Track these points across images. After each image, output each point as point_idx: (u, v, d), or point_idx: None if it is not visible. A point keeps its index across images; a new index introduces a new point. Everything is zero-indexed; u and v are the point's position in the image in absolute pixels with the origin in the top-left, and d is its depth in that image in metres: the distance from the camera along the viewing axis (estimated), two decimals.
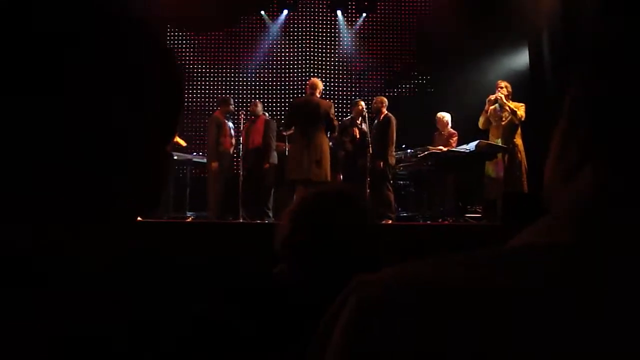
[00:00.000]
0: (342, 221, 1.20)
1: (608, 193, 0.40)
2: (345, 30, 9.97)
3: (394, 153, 6.81)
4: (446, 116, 7.28)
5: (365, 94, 8.95)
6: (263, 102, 7.80)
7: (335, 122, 6.55)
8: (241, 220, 6.52)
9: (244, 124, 7.07)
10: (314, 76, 7.91)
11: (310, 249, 1.17)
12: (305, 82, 6.96)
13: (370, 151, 6.65)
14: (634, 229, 0.38)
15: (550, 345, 0.33)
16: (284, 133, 7.21)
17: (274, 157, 7.09)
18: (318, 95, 6.47)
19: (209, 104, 9.40)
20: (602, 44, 0.42)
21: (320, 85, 6.54)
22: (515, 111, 6.46)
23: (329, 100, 7.04)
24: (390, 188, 6.76)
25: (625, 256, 0.37)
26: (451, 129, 7.24)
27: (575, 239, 0.38)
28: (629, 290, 0.35)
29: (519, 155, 6.50)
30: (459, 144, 6.93)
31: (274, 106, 9.34)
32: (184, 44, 9.69)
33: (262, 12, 9.80)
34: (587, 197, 0.41)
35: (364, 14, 9.99)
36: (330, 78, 9.80)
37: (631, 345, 0.33)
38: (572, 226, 0.40)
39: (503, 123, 6.55)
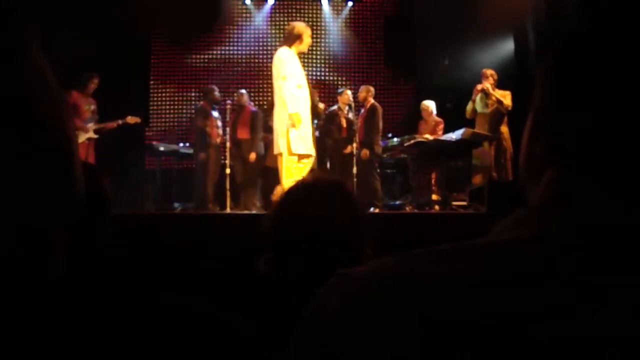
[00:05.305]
0: (327, 214, 1.19)
1: (569, 192, 0.41)
2: (331, 19, 9.92)
3: (380, 141, 6.83)
4: (430, 105, 7.30)
5: (352, 83, 8.93)
6: (249, 92, 7.76)
7: (320, 109, 6.52)
8: (228, 211, 6.50)
9: (230, 115, 7.03)
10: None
11: (294, 240, 1.17)
12: None
13: (357, 140, 6.67)
14: (596, 225, 0.39)
15: (501, 338, 0.34)
16: (271, 123, 7.18)
17: (261, 148, 7.06)
18: None
19: (194, 94, 9.31)
20: (567, 44, 0.43)
21: None
22: (502, 101, 6.49)
23: (313, 89, 7.02)
24: (377, 176, 6.78)
25: (590, 254, 0.37)
26: (437, 117, 7.26)
27: (537, 235, 0.40)
28: (589, 284, 0.36)
29: (505, 143, 6.55)
30: (445, 132, 6.95)
31: (260, 96, 9.29)
32: (168, 32, 9.56)
33: (247, 1, 9.71)
34: (550, 195, 0.42)
35: (350, 3, 9.94)
36: (316, 67, 9.76)
37: (589, 335, 0.34)
38: (538, 222, 0.41)
39: (488, 111, 6.58)
